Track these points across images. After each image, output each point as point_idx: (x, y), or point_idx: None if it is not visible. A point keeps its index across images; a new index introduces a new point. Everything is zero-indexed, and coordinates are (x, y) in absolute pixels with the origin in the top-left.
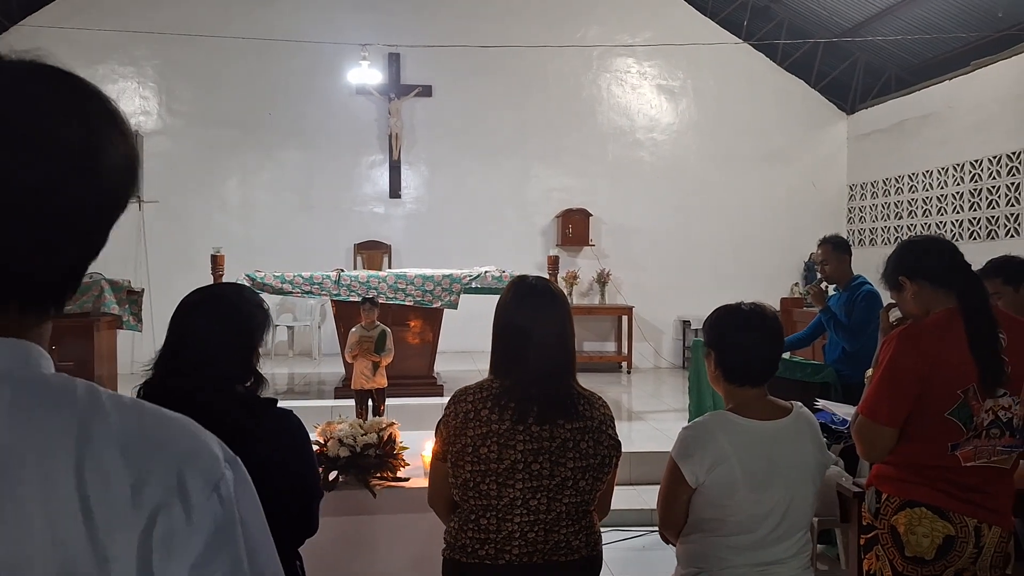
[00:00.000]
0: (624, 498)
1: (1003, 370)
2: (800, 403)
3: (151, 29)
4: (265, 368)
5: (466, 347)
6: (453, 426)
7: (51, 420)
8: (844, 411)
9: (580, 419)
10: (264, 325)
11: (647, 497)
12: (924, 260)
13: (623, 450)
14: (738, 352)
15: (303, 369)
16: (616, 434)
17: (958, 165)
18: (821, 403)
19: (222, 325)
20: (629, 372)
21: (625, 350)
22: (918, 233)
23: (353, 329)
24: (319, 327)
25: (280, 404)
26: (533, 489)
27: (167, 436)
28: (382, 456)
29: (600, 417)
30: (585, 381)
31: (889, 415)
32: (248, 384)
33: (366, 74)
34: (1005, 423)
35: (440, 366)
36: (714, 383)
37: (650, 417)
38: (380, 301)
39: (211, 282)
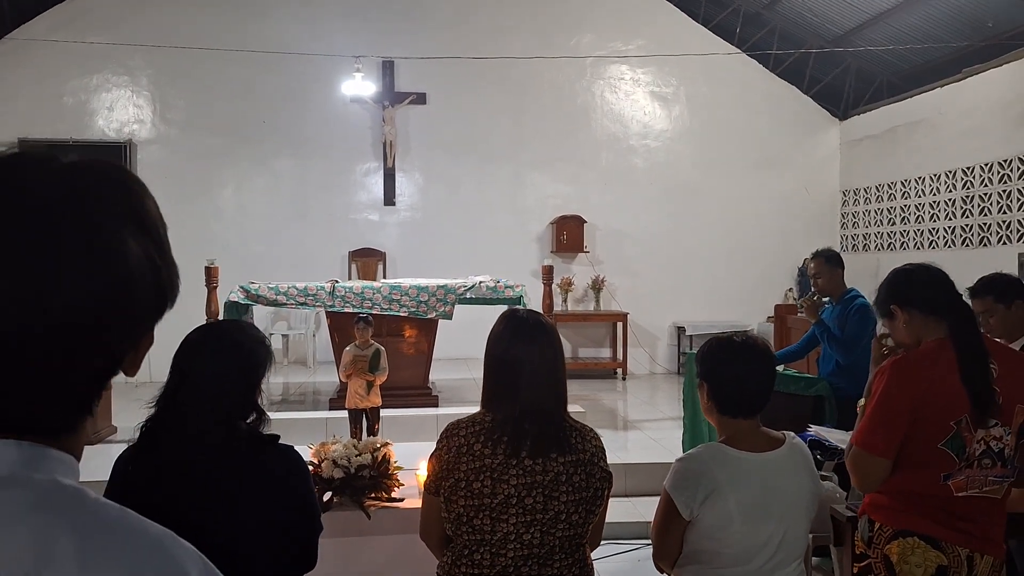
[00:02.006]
0: (619, 510)
1: (995, 401)
2: (792, 433)
3: (145, 38)
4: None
5: (461, 354)
6: (446, 460)
7: (14, 531)
8: (837, 437)
9: (572, 452)
10: (267, 361)
11: (642, 509)
12: (916, 289)
13: (618, 460)
14: (730, 385)
15: (298, 378)
16: (607, 466)
17: (950, 172)
18: (813, 429)
19: (225, 363)
20: (624, 378)
21: (620, 356)
22: (911, 239)
23: (347, 348)
24: (314, 335)
25: (281, 415)
26: (527, 523)
27: (128, 555)
28: (376, 477)
29: (592, 450)
30: (580, 388)
31: (883, 446)
32: (250, 420)
33: (360, 86)
34: (997, 453)
35: (435, 374)
36: (707, 414)
37: (645, 426)
38: (375, 312)
39: (205, 293)
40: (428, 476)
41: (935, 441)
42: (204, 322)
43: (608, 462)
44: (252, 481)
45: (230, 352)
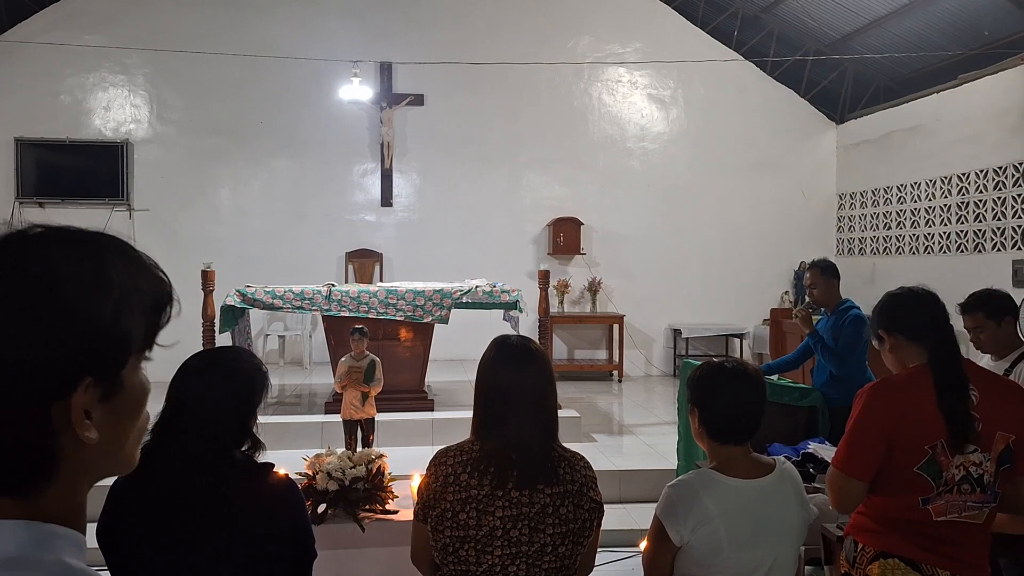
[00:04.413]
0: (613, 518)
1: (972, 427)
2: (783, 458)
3: (142, 38)
4: (260, 359)
5: (457, 355)
6: (433, 489)
7: None
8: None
9: (560, 483)
10: (263, 389)
11: (636, 516)
12: (901, 314)
13: (612, 467)
14: (722, 411)
15: (294, 379)
16: (598, 495)
17: (946, 178)
18: (812, 447)
19: (222, 391)
20: (620, 380)
21: (616, 358)
22: (906, 244)
23: (343, 359)
24: (310, 336)
25: (276, 419)
26: (512, 556)
27: None
28: (371, 490)
29: (581, 480)
30: (576, 390)
31: (858, 468)
32: (245, 448)
33: (357, 91)
34: (976, 479)
35: (430, 377)
36: (698, 439)
37: (640, 431)
38: (371, 316)
39: (202, 297)
40: (417, 503)
41: (910, 465)
42: (200, 322)
43: (605, 467)
44: (246, 510)
45: (227, 380)
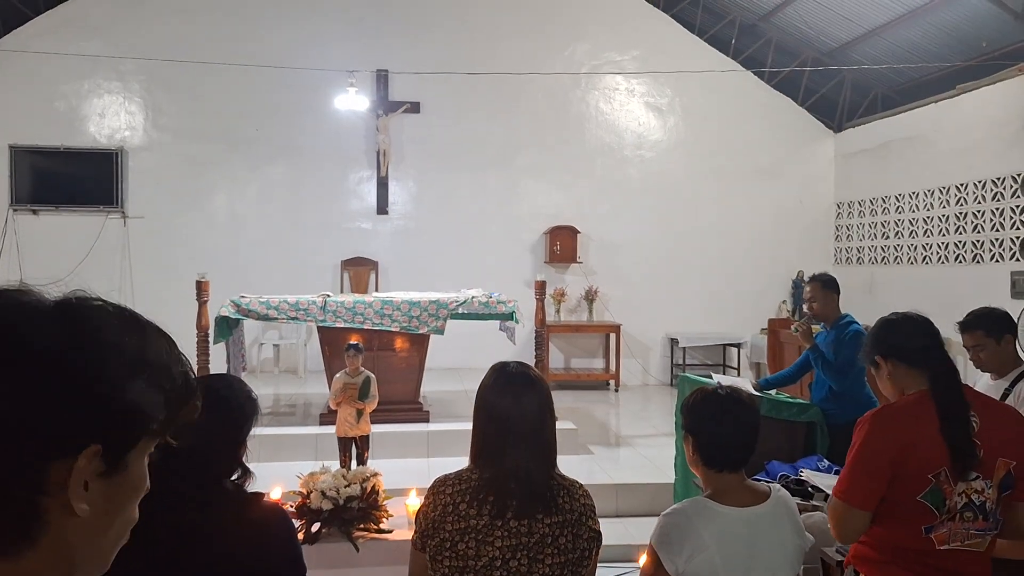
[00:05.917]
0: (609, 532)
1: (975, 454)
2: (779, 485)
3: (137, 45)
4: (250, 386)
5: (453, 364)
6: (432, 518)
7: None
8: (825, 483)
9: (559, 512)
10: (253, 416)
11: (634, 531)
12: (898, 340)
13: (609, 480)
14: (717, 439)
15: (288, 389)
16: (597, 524)
17: (943, 188)
18: (805, 474)
19: (211, 420)
20: (617, 390)
21: (613, 367)
22: (904, 254)
23: (337, 376)
24: (305, 345)
25: (271, 431)
26: None
27: None
28: (365, 508)
29: (580, 508)
30: (573, 399)
31: (862, 498)
32: (236, 478)
33: (353, 100)
34: (979, 507)
35: (426, 386)
36: (693, 467)
37: (637, 442)
38: (366, 327)
39: (196, 307)
40: (415, 531)
41: (914, 494)
42: (194, 333)
43: (602, 481)
44: (236, 542)
45: (217, 409)
